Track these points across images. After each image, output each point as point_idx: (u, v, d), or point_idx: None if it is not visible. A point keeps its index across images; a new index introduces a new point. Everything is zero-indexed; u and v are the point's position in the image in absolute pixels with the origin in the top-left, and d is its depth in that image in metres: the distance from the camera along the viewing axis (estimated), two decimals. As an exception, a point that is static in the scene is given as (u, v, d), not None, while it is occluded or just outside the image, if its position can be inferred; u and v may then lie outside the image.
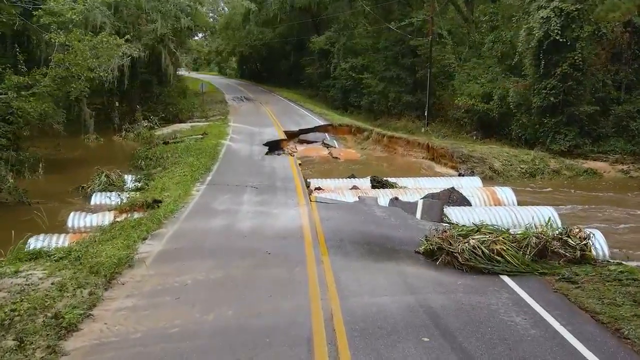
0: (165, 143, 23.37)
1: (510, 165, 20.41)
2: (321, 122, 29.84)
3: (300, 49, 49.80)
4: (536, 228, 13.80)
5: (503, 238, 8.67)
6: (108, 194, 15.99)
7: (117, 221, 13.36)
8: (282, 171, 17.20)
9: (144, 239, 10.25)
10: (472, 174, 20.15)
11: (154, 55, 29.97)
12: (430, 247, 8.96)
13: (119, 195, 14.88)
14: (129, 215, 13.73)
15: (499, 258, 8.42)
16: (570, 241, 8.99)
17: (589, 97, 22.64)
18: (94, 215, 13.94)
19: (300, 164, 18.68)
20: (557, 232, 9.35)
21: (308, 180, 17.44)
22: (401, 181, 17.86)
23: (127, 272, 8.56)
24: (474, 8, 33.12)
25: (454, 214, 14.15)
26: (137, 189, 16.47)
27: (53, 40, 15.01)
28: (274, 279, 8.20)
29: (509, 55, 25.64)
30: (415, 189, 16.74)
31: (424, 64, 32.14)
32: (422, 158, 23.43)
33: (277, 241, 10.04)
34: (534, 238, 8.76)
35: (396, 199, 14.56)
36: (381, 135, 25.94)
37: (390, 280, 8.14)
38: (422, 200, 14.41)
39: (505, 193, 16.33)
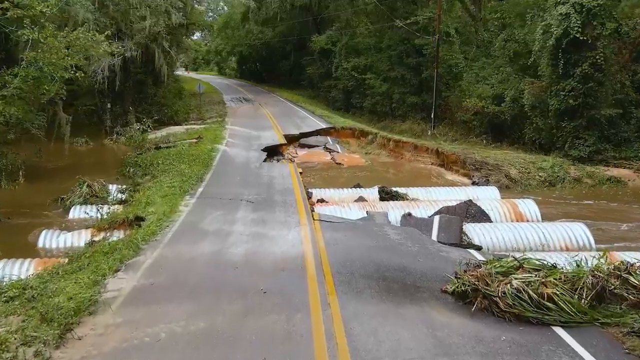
0: (158, 148, 21.60)
1: (528, 173, 18.64)
2: (323, 125, 28.04)
3: (300, 48, 48.03)
4: (567, 249, 12.32)
5: (554, 279, 6.91)
6: (89, 207, 14.27)
7: (94, 240, 11.70)
8: (281, 181, 15.43)
9: (116, 270, 8.50)
10: (487, 182, 18.42)
11: (148, 54, 28.18)
12: (462, 287, 7.21)
13: (98, 210, 13.13)
14: (107, 234, 12.05)
15: (550, 304, 6.67)
16: (632, 279, 7.24)
17: (610, 100, 20.91)
18: (69, 234, 12.22)
19: (301, 172, 16.91)
20: (612, 266, 7.58)
21: (310, 190, 15.72)
22: (411, 192, 16.13)
23: (88, 321, 6.81)
24: (482, 5, 31.39)
25: (474, 231, 12.46)
26: (120, 202, 14.75)
27: (26, 37, 13.21)
28: (269, 332, 6.46)
29: (521, 54, 23.88)
30: (428, 201, 15.01)
31: (430, 63, 30.39)
32: (431, 164, 21.67)
33: (274, 275, 8.29)
34: (590, 277, 7.01)
35: (409, 214, 12.82)
36: (387, 139, 24.16)
37: (416, 333, 6.40)
38: (438, 216, 12.68)
39: (528, 206, 14.61)
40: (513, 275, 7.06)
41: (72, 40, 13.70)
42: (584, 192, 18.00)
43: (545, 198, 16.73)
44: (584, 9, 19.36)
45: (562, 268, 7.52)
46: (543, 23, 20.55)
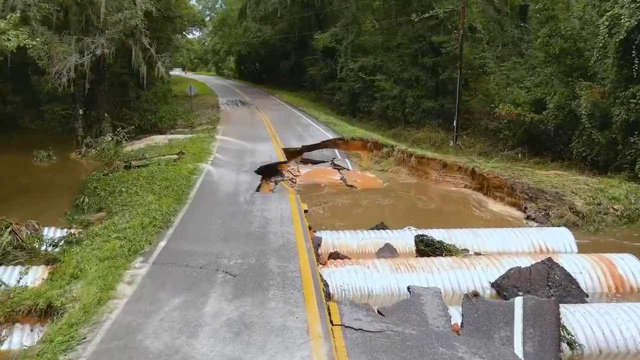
0: (128, 167, 16.79)
1: (598, 204, 13.78)
2: (329, 135, 23.22)
3: (302, 47, 43.18)
4: None
5: None
6: (3, 269, 9.49)
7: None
8: (279, 228, 10.52)
9: None
10: (547, 217, 13.65)
11: (128, 52, 23.32)
12: None
13: (1, 284, 8.36)
14: (2, 334, 7.32)
15: None
16: None
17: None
18: (-59, 331, 7.45)
19: (306, 211, 12.07)
20: None
21: (318, 234, 11.01)
22: (455, 236, 11.37)
23: None
24: (509, -2, 26.60)
25: (576, 322, 7.87)
26: (49, 261, 9.92)
27: None
28: None
29: (569, 52, 19.04)
30: (485, 257, 10.25)
31: (449, 63, 25.64)
32: (465, 187, 16.85)
33: None
34: None
35: (475, 295, 8.02)
36: (407, 154, 19.30)
37: None
38: (521, 298, 7.91)
39: (631, 266, 9.87)
40: None
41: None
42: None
43: (632, 243, 11.96)
44: (665, -6, 14.60)
45: None
46: (609, 13, 15.73)
